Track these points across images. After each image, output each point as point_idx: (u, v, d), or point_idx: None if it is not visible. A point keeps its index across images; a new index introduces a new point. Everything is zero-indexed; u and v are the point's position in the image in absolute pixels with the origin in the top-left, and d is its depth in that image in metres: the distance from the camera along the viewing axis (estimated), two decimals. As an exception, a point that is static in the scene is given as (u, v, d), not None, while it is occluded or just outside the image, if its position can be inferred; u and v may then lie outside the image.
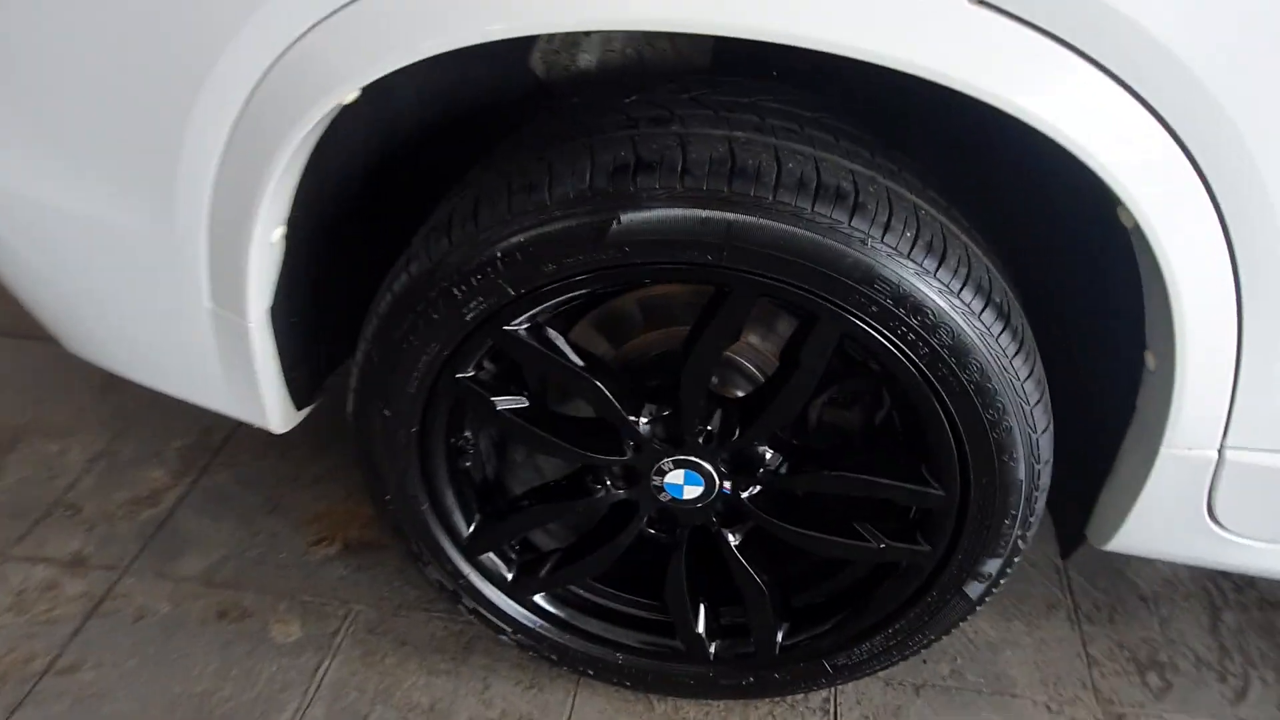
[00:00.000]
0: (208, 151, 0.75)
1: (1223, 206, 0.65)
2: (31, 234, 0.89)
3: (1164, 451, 0.79)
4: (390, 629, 1.15)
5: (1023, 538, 0.85)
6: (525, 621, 1.01)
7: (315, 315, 0.93)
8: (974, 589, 0.89)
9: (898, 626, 0.93)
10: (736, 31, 0.64)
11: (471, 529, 0.96)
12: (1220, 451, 0.79)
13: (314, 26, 0.67)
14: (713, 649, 1.00)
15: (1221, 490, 0.82)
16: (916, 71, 0.63)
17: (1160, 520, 0.86)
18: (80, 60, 0.76)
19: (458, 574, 0.98)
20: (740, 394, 0.93)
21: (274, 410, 0.94)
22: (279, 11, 0.67)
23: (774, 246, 0.70)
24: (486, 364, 0.87)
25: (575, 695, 1.07)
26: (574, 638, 1.02)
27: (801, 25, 0.63)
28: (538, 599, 1.01)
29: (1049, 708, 1.07)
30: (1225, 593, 1.21)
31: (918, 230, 0.71)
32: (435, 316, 0.79)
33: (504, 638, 1.03)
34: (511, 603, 1.00)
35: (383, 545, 1.25)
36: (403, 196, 0.90)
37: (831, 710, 1.06)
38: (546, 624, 1.01)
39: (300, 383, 0.95)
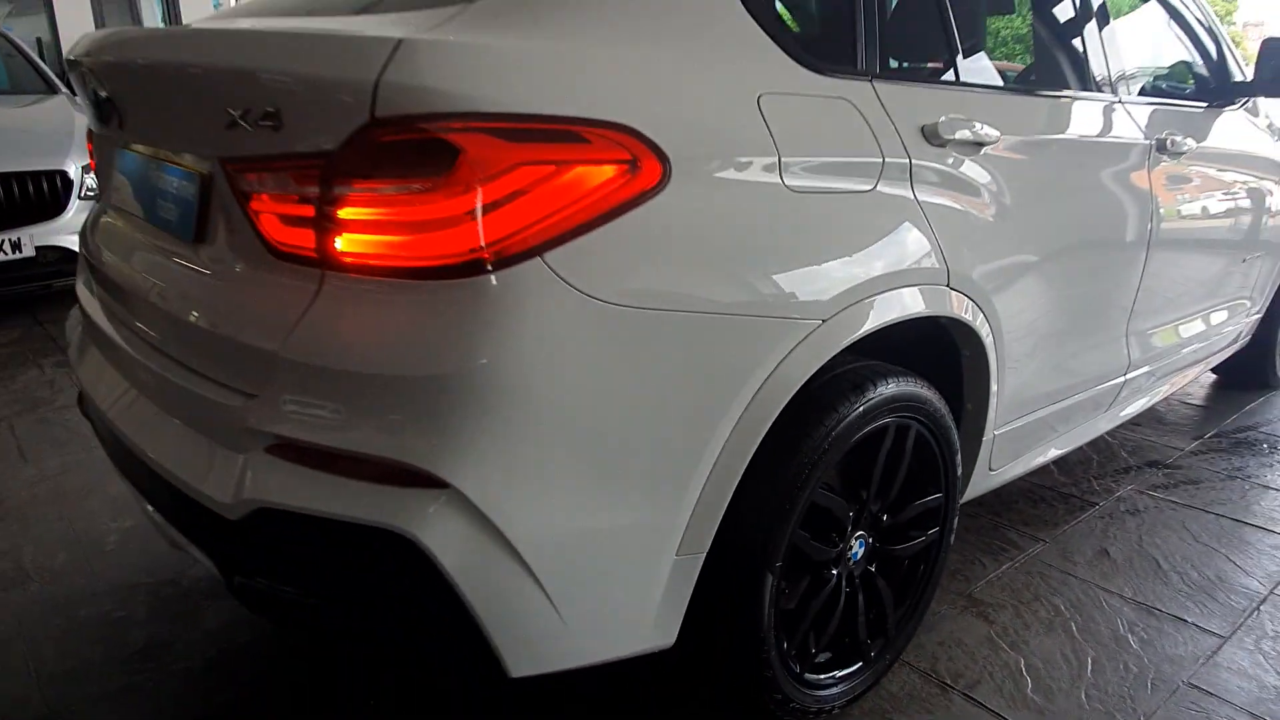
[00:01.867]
0: (724, 429, 1.30)
1: (996, 340, 1.79)
2: (553, 562, 1.21)
3: (984, 440, 1.89)
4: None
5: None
6: (811, 694, 1.60)
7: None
8: (954, 524, 1.85)
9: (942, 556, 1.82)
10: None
11: (788, 648, 1.54)
12: (994, 433, 1.93)
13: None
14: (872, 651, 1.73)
15: (994, 452, 1.96)
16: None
17: (978, 478, 1.96)
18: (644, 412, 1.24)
19: (796, 691, 1.54)
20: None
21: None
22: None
23: (912, 399, 1.59)
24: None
25: (820, 738, 1.66)
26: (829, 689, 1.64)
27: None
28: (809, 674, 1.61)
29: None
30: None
31: (918, 381, 1.67)
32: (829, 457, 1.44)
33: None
34: (803, 687, 1.59)
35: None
36: None
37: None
38: (816, 688, 1.62)
39: None
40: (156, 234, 1.52)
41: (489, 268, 1.11)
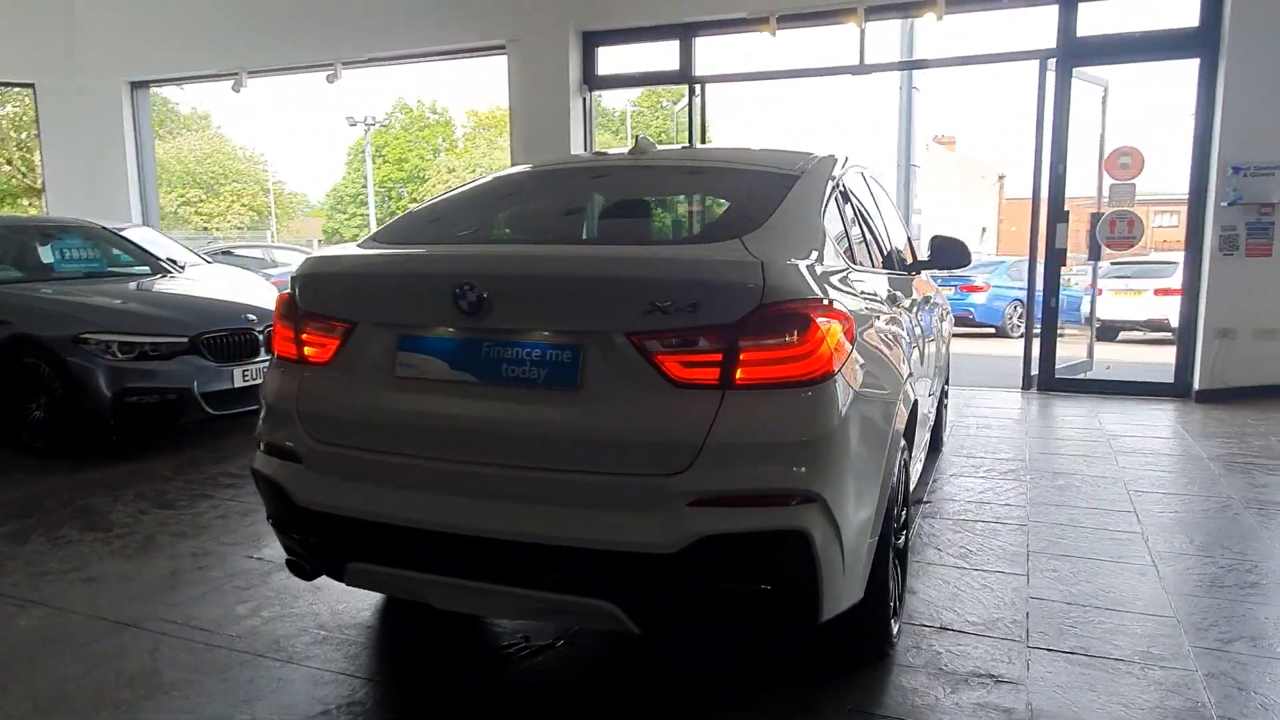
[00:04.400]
0: (888, 460, 2.34)
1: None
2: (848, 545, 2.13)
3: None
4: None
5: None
6: (890, 629, 2.62)
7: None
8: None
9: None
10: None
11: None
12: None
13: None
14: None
15: (906, 484, 3.21)
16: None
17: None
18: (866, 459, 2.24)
19: (889, 626, 2.56)
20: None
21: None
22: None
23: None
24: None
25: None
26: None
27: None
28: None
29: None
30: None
31: None
32: None
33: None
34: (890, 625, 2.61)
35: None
36: None
37: (897, 621, 2.96)
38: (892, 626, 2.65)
39: None
40: (506, 389, 2.17)
41: (823, 380, 2.08)
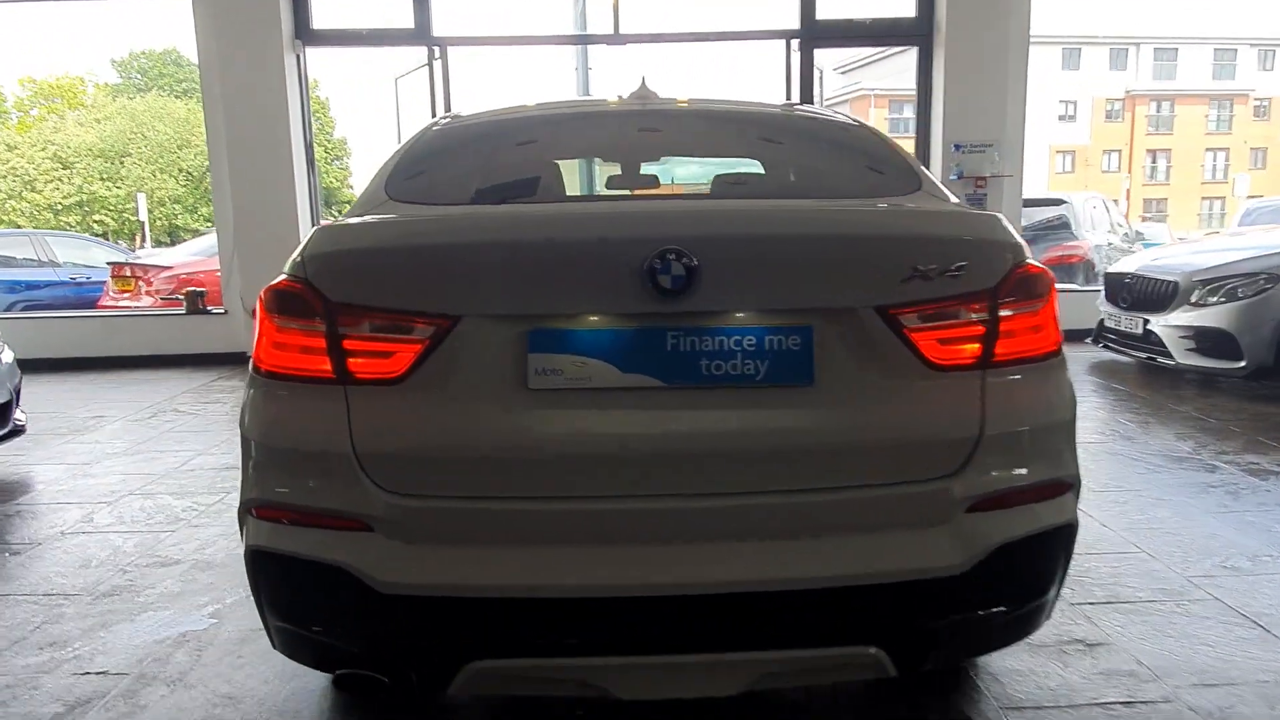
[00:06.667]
0: None
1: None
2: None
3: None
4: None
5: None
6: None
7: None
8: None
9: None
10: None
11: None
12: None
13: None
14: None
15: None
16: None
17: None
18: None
19: None
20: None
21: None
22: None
23: None
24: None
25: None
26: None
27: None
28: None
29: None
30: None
31: None
32: None
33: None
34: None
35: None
36: None
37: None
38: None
39: None
40: (708, 393, 1.62)
41: (1059, 352, 1.80)
